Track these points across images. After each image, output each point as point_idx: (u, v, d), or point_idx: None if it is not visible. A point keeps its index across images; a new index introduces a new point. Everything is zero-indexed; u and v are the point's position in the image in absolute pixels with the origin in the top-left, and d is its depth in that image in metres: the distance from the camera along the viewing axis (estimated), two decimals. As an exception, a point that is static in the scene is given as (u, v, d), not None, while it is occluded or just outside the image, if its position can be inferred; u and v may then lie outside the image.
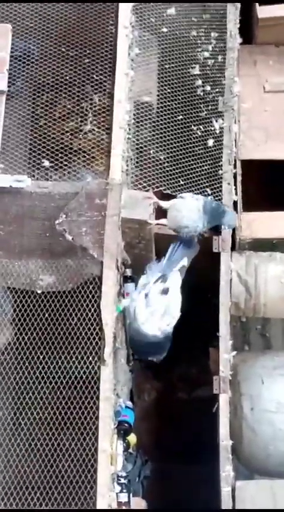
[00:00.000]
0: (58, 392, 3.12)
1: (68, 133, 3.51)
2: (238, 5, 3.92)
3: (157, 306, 3.18)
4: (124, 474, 3.27)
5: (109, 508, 2.92)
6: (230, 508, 3.26)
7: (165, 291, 3.20)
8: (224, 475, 3.28)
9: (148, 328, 3.15)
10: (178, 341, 4.40)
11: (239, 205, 3.77)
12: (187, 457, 4.22)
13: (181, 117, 3.69)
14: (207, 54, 3.84)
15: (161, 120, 3.66)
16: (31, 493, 3.04)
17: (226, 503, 3.25)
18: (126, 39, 3.57)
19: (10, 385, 3.18)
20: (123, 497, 3.16)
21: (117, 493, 3.15)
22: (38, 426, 3.16)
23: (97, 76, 3.53)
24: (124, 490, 3.20)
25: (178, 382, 4.68)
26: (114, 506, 3.08)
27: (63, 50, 3.59)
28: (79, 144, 3.49)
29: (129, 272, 3.59)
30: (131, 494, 3.22)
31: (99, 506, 2.95)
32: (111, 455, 3.05)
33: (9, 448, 3.17)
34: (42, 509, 2.94)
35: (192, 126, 3.70)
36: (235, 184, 3.74)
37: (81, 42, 3.60)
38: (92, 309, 3.15)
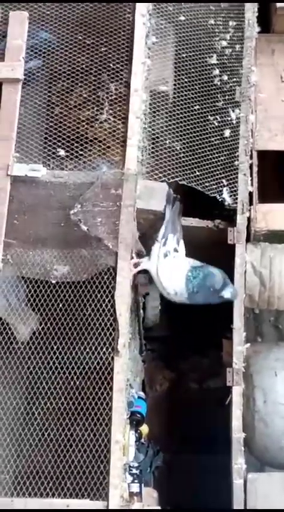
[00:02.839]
0: (71, 383, 3.13)
1: (84, 123, 3.49)
2: (257, -7, 3.87)
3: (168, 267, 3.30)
4: (136, 464, 3.28)
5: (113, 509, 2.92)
6: (243, 499, 3.26)
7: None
8: (237, 467, 3.27)
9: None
10: (191, 332, 4.41)
11: (255, 196, 3.73)
12: (198, 447, 4.23)
13: (197, 106, 3.65)
14: (224, 43, 3.79)
15: (177, 109, 3.62)
16: (43, 483, 3.06)
17: (237, 495, 3.25)
18: (143, 28, 3.53)
19: (24, 375, 3.19)
20: (135, 488, 3.17)
21: (128, 484, 3.16)
22: (51, 416, 3.16)
23: (113, 65, 3.50)
24: (136, 481, 3.20)
25: (190, 372, 4.69)
26: (126, 496, 3.09)
27: (80, 38, 3.56)
28: (95, 134, 3.47)
29: (144, 260, 3.57)
30: (143, 485, 3.23)
31: (111, 497, 2.96)
32: (123, 445, 3.06)
33: (22, 437, 3.18)
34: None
35: (209, 116, 3.66)
36: (251, 175, 3.70)
37: (98, 30, 3.56)
38: (106, 300, 3.15)
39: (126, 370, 3.11)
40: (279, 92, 3.97)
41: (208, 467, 3.89)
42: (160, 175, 3.48)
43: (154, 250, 3.37)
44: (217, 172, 3.60)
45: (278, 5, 3.95)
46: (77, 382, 3.12)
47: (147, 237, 3.47)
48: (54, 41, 3.56)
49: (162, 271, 3.35)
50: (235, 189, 3.62)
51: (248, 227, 3.68)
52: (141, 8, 3.52)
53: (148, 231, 3.47)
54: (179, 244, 3.39)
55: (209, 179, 3.56)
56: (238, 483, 3.25)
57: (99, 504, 2.97)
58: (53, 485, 3.04)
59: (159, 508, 3.21)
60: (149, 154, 3.60)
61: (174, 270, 3.36)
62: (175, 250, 3.36)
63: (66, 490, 3.03)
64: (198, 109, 3.65)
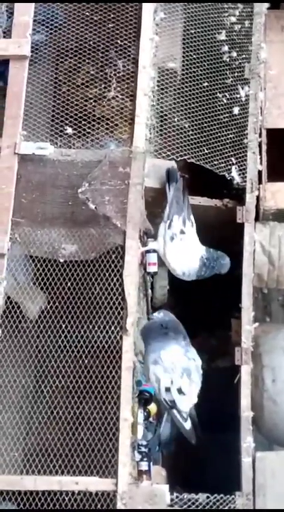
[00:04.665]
0: (80, 361, 3.13)
1: (91, 100, 3.46)
2: None
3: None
4: (144, 443, 3.28)
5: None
6: (251, 478, 3.27)
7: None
8: (246, 445, 3.28)
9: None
10: (199, 311, 4.39)
11: (264, 175, 3.70)
12: (206, 426, 4.23)
13: (206, 84, 3.62)
14: (233, 19, 3.74)
15: (185, 87, 3.59)
16: (53, 460, 3.07)
17: (246, 474, 3.26)
18: (151, 4, 3.49)
19: (33, 353, 3.19)
20: (144, 466, 3.17)
21: (137, 462, 3.17)
22: (60, 394, 3.17)
23: (121, 41, 3.46)
24: (145, 459, 3.21)
25: (197, 352, 4.68)
26: (135, 474, 3.10)
27: (87, 14, 3.52)
28: (103, 111, 3.44)
29: (151, 242, 3.56)
30: (151, 463, 3.24)
31: (120, 475, 2.97)
32: (132, 424, 3.07)
33: (31, 416, 3.19)
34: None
35: (217, 94, 3.63)
36: (260, 154, 3.67)
37: (105, 6, 3.52)
38: (114, 279, 3.14)
39: (134, 349, 3.11)
40: (289, 69, 3.93)
41: (215, 445, 3.90)
42: (169, 153, 3.45)
43: (160, 231, 3.35)
44: (226, 150, 3.57)
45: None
46: (86, 361, 3.12)
47: (155, 215, 3.45)
48: (61, 17, 3.51)
49: (169, 254, 3.35)
50: (244, 167, 3.59)
51: (257, 206, 3.65)
52: (149, -16, 3.48)
53: (156, 209, 3.45)
54: (186, 225, 3.35)
55: (218, 157, 3.53)
56: (247, 461, 3.26)
57: (108, 482, 2.99)
58: (61, 463, 3.05)
59: (167, 485, 3.21)
60: (157, 132, 3.57)
61: (182, 253, 3.34)
62: (182, 232, 3.33)
63: (75, 468, 3.05)
64: (207, 86, 3.62)
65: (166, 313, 3.37)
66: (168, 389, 3.20)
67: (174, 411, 3.20)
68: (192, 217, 3.40)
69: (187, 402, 3.21)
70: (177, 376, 3.20)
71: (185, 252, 3.36)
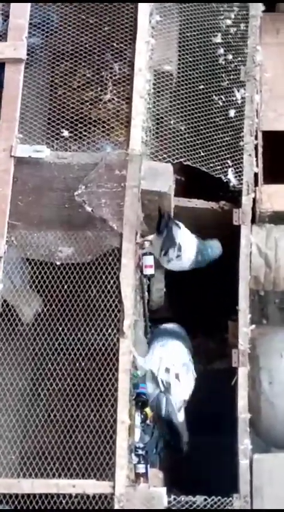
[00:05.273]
0: (77, 364, 3.13)
1: (87, 103, 3.46)
2: (261, -29, 3.82)
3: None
4: (141, 445, 3.28)
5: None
6: (248, 480, 3.27)
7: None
8: (243, 447, 3.28)
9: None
10: (196, 313, 4.39)
11: (260, 177, 3.71)
12: (203, 428, 4.22)
13: (202, 86, 3.62)
14: (229, 22, 3.75)
15: (181, 89, 3.59)
16: (50, 463, 3.06)
17: (243, 476, 3.25)
18: (147, 6, 3.49)
19: (29, 356, 3.19)
20: (141, 469, 3.16)
21: (134, 464, 3.16)
22: (57, 397, 3.16)
23: (117, 44, 3.47)
24: (142, 462, 3.20)
25: (195, 354, 4.67)
26: (132, 477, 3.09)
27: (83, 17, 3.52)
28: (99, 114, 3.44)
29: (148, 245, 3.56)
30: (148, 466, 3.23)
31: (117, 478, 2.97)
32: (129, 426, 3.06)
33: (28, 419, 3.19)
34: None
35: (213, 96, 3.64)
36: (256, 156, 3.67)
37: (101, 9, 3.52)
38: (111, 281, 3.14)
39: (131, 351, 3.10)
40: (284, 71, 3.94)
41: (212, 448, 3.89)
42: (165, 155, 3.46)
43: (155, 243, 3.35)
44: (222, 153, 3.58)
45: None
46: (83, 364, 3.12)
47: (152, 217, 3.45)
48: (56, 20, 3.51)
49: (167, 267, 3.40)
50: (240, 170, 3.60)
51: (253, 208, 3.66)
52: (145, -13, 3.48)
53: (152, 212, 3.45)
54: (181, 249, 3.33)
55: (214, 160, 3.54)
56: (244, 463, 3.26)
57: (105, 484, 2.98)
58: (59, 465, 3.04)
59: (164, 488, 3.21)
60: (153, 135, 3.57)
61: (179, 264, 3.39)
62: (178, 256, 3.34)
63: (72, 471, 3.04)
64: (203, 89, 3.62)
65: (180, 327, 3.45)
66: (167, 370, 3.20)
67: (168, 398, 3.19)
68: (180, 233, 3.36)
69: (180, 391, 3.21)
70: (178, 364, 3.23)
71: (183, 262, 3.38)
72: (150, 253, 3.47)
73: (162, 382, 3.17)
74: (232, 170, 3.57)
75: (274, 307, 4.37)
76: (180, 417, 3.18)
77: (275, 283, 3.71)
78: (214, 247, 3.41)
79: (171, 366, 3.21)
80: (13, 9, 3.45)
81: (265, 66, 3.87)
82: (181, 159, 3.48)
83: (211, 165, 3.54)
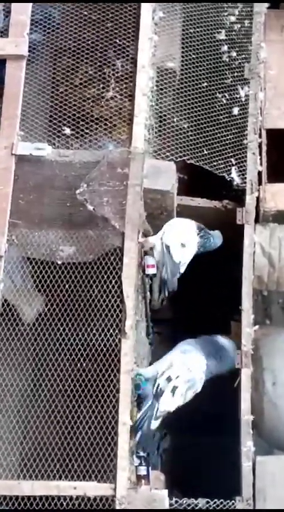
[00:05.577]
0: (78, 365, 3.10)
1: (89, 100, 3.42)
2: None
3: None
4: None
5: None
6: (251, 482, 3.24)
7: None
8: (245, 450, 3.25)
9: None
10: (199, 314, 4.36)
11: (264, 176, 3.67)
12: (205, 430, 4.20)
13: (205, 84, 3.59)
14: (233, 18, 3.71)
15: (185, 87, 3.56)
16: (50, 465, 3.04)
17: (246, 478, 3.22)
18: (150, 3, 3.45)
19: (30, 356, 3.16)
20: (142, 471, 3.14)
21: (136, 466, 3.13)
22: (58, 398, 3.13)
23: (120, 41, 3.43)
24: (144, 463, 3.18)
25: (197, 354, 4.64)
26: (133, 479, 3.07)
27: (85, 13, 3.49)
28: (101, 112, 3.41)
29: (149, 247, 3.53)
30: (150, 468, 3.20)
31: (119, 480, 2.94)
32: (131, 428, 3.03)
33: (29, 420, 3.16)
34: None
35: (217, 94, 3.60)
36: (260, 154, 3.64)
37: (104, 5, 3.48)
38: (113, 281, 3.11)
39: (133, 352, 3.08)
40: (289, 69, 3.90)
41: (215, 449, 3.87)
42: (168, 154, 3.42)
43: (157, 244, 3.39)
44: (226, 151, 3.54)
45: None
46: (84, 364, 3.09)
47: (154, 216, 3.42)
48: (58, 16, 3.48)
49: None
50: (244, 168, 3.56)
51: (257, 207, 3.62)
52: (148, -17, 3.45)
53: (155, 210, 3.42)
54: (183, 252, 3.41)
55: (217, 158, 3.50)
56: (247, 465, 3.23)
57: (106, 486, 2.95)
58: (59, 467, 3.01)
59: (166, 490, 3.18)
60: (156, 132, 3.53)
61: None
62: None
63: (73, 473, 3.01)
64: (206, 86, 3.59)
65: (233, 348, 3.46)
66: (168, 379, 3.20)
67: (153, 403, 3.17)
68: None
69: (168, 403, 3.19)
70: (182, 378, 3.21)
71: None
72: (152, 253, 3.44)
73: (158, 386, 3.15)
74: (235, 169, 3.53)
75: (278, 308, 4.34)
76: (153, 425, 3.16)
77: (279, 283, 3.68)
78: (216, 236, 3.45)
79: (173, 377, 3.20)
80: (15, 6, 3.41)
81: (269, 64, 3.84)
82: (184, 158, 3.45)
83: (215, 163, 3.50)
